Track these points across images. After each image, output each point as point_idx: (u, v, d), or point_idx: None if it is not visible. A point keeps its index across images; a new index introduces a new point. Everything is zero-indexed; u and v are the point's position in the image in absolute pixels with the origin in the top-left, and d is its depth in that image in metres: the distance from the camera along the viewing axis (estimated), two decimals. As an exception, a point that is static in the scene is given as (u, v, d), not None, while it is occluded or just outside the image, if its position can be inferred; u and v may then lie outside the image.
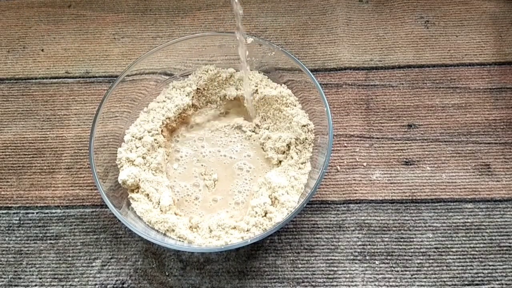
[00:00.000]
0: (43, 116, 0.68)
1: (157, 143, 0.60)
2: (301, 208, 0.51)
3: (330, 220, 0.58)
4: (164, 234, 0.54)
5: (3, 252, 0.59)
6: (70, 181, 0.63)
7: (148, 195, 0.57)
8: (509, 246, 0.56)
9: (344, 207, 0.59)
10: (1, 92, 0.70)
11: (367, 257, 0.56)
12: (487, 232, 0.57)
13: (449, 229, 0.57)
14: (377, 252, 0.56)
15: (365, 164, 0.62)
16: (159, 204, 0.57)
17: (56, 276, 0.57)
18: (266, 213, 0.55)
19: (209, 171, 0.60)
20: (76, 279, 0.57)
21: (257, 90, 0.62)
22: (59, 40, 0.74)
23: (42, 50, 0.73)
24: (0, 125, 0.68)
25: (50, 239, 0.59)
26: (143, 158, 0.59)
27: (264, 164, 0.60)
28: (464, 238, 0.57)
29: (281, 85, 0.63)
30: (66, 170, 0.64)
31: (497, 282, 0.54)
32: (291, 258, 0.57)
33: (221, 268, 0.57)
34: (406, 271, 0.55)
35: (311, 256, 0.57)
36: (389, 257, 0.56)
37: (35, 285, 0.57)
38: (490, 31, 0.71)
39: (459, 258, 0.56)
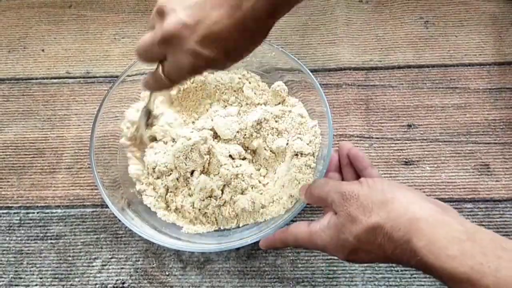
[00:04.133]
0: (44, 116, 0.68)
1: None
2: (301, 208, 0.51)
3: (330, 220, 0.58)
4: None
5: (4, 251, 0.59)
6: (70, 181, 0.63)
7: (154, 188, 0.58)
8: (509, 246, 0.56)
9: (344, 207, 0.59)
10: (1, 92, 0.70)
11: (367, 257, 0.56)
12: (486, 232, 0.57)
13: (448, 229, 0.57)
14: (376, 252, 0.56)
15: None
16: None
17: (56, 275, 0.58)
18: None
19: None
20: (76, 279, 0.57)
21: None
22: (60, 41, 0.74)
23: (43, 50, 0.74)
24: (1, 125, 0.68)
25: (51, 239, 0.60)
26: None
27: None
28: (463, 238, 0.57)
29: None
30: (66, 170, 0.64)
31: (496, 282, 0.54)
32: (291, 258, 0.57)
33: (221, 268, 0.57)
34: (405, 270, 0.55)
35: (311, 256, 0.57)
36: (388, 257, 0.56)
37: (36, 285, 0.57)
38: (490, 31, 0.71)
39: (459, 258, 0.56)
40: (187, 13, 0.36)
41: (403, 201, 0.38)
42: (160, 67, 0.40)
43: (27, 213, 0.61)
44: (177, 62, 0.38)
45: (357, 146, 0.63)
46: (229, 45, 0.37)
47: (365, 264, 0.56)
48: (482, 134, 0.63)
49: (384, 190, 0.39)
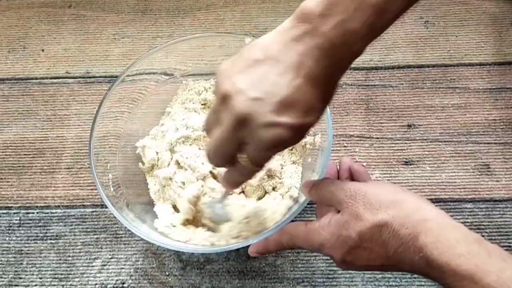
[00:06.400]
0: (44, 116, 0.68)
1: None
2: (301, 208, 0.51)
3: (330, 220, 0.58)
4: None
5: (4, 251, 0.59)
6: (70, 181, 0.63)
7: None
8: (509, 246, 0.56)
9: (344, 207, 0.59)
10: (1, 92, 0.70)
11: (367, 257, 0.56)
12: (486, 232, 0.57)
13: (448, 229, 0.57)
14: (377, 252, 0.56)
15: (365, 164, 0.62)
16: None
17: (56, 276, 0.57)
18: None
19: None
20: (76, 279, 0.57)
21: None
22: (60, 40, 0.74)
23: (43, 50, 0.74)
24: (1, 125, 0.68)
25: (51, 239, 0.60)
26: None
27: None
28: (463, 238, 0.57)
29: None
30: (66, 170, 0.64)
31: (496, 282, 0.54)
32: (291, 258, 0.57)
33: (221, 268, 0.57)
34: (405, 271, 0.55)
35: (311, 256, 0.57)
36: (388, 257, 0.56)
37: (36, 285, 0.57)
38: (490, 31, 0.71)
39: (459, 258, 0.56)
40: (253, 88, 0.34)
41: (414, 203, 0.39)
42: (244, 157, 0.38)
43: (27, 213, 0.61)
44: (258, 142, 0.35)
45: (357, 146, 0.63)
46: (305, 104, 0.35)
47: (365, 264, 0.56)
48: (482, 134, 0.63)
49: (394, 192, 0.40)
